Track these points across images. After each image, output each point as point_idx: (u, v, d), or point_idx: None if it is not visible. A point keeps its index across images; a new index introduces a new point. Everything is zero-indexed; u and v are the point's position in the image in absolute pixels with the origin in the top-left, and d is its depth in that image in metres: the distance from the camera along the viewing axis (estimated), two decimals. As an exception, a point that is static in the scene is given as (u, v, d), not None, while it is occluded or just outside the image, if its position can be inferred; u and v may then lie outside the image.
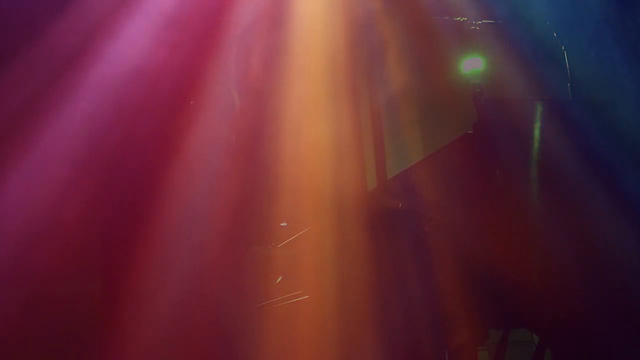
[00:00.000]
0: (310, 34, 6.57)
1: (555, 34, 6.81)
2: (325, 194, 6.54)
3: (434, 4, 6.94)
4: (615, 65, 6.60)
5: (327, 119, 6.58)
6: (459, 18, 6.94)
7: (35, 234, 5.70)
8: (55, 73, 5.76)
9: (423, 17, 6.95)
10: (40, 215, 5.72)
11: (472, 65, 7.06)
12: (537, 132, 6.56)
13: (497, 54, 6.88)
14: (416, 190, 6.69)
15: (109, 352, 5.73)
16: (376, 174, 7.03)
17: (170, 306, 5.84)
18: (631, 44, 6.60)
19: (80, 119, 5.81)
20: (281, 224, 6.52)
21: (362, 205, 6.75)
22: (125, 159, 5.93)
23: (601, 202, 6.20)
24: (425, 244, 6.59)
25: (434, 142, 6.89)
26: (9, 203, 5.63)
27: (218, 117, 6.26)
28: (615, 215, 6.17)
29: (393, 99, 6.93)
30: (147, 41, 6.05)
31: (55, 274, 5.72)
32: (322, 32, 6.62)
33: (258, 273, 6.28)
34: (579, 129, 6.44)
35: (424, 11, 6.95)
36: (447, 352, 6.56)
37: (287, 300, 6.35)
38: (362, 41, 6.93)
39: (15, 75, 5.71)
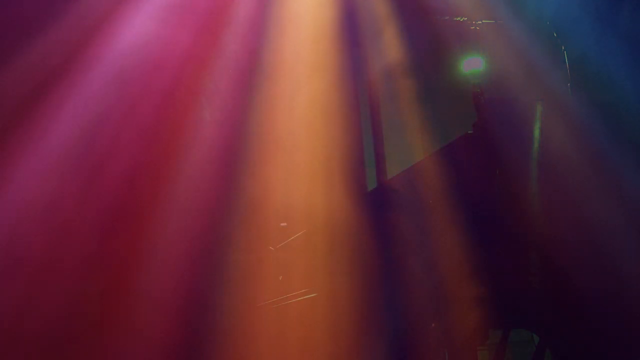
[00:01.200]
0: (309, 33, 6.57)
1: (555, 34, 6.81)
2: (324, 194, 6.55)
3: (434, 3, 6.94)
4: (616, 65, 6.61)
5: (326, 117, 6.58)
6: (459, 18, 6.93)
7: (31, 230, 5.69)
8: (56, 66, 5.76)
9: (425, 16, 6.96)
10: (37, 210, 5.71)
11: (472, 65, 7.06)
12: (537, 132, 6.57)
13: (497, 54, 6.87)
14: (416, 189, 6.70)
15: (105, 351, 5.72)
16: (376, 174, 7.03)
17: (166, 305, 5.84)
18: (631, 43, 6.60)
19: (79, 112, 5.81)
20: (281, 224, 6.51)
21: (361, 205, 6.75)
22: (123, 153, 5.92)
23: (602, 202, 6.20)
24: (425, 244, 6.59)
25: (434, 142, 6.89)
26: (5, 199, 5.62)
27: (214, 110, 6.25)
28: (616, 215, 6.18)
29: (393, 98, 6.93)
30: (150, 28, 6.04)
31: (52, 271, 5.71)
32: (321, 31, 6.62)
33: (257, 273, 6.27)
34: (579, 129, 6.45)
35: (426, 11, 6.96)
36: (447, 352, 6.57)
37: (287, 299, 6.35)
38: (361, 40, 6.93)
39: (16, 69, 5.70)
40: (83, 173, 5.88)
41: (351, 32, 6.77)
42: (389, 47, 6.87)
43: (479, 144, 6.78)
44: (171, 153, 6.05)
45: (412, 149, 6.91)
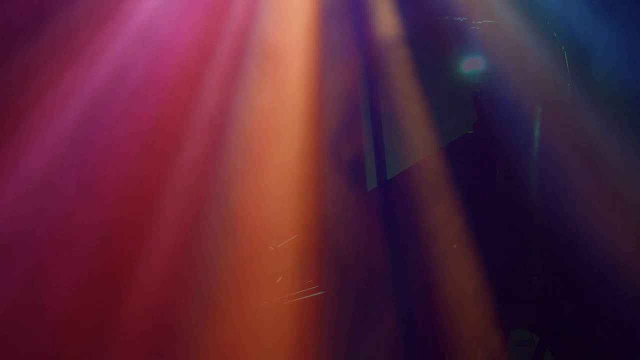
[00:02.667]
0: (308, 34, 6.59)
1: (555, 34, 6.81)
2: (322, 194, 6.55)
3: (434, 3, 6.95)
4: (617, 64, 6.61)
5: (326, 117, 6.59)
6: (459, 18, 6.93)
7: (30, 224, 5.70)
8: (59, 56, 5.78)
9: (425, 17, 6.97)
10: (36, 205, 5.72)
11: (472, 65, 7.06)
12: (537, 132, 6.57)
13: (498, 54, 6.87)
14: (416, 190, 6.70)
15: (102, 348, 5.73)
16: (376, 174, 7.03)
17: (162, 303, 5.85)
18: (632, 42, 6.61)
19: (81, 103, 5.83)
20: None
21: (361, 205, 6.75)
22: (125, 144, 5.93)
23: (604, 202, 6.21)
24: (425, 245, 6.59)
25: (435, 142, 6.89)
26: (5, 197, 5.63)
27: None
28: (618, 215, 6.18)
29: (393, 98, 6.94)
30: (153, 17, 6.06)
31: (51, 266, 5.71)
32: (320, 33, 6.64)
33: (254, 274, 6.27)
34: (579, 128, 6.45)
35: (426, 11, 6.97)
36: (447, 353, 6.57)
37: (285, 300, 6.35)
38: (361, 40, 6.95)
39: (21, 55, 5.73)
40: (84, 165, 5.90)
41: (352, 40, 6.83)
42: (388, 43, 6.88)
43: (479, 144, 6.79)
44: (174, 143, 6.06)
45: (412, 149, 6.91)
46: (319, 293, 6.36)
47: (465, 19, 6.93)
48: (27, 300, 5.60)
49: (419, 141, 6.83)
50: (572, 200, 6.31)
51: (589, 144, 6.38)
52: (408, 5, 6.90)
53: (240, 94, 6.29)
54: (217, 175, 6.19)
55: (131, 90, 5.95)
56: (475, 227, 6.54)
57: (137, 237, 5.89)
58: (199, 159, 6.13)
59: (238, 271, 6.15)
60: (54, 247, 5.71)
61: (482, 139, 6.78)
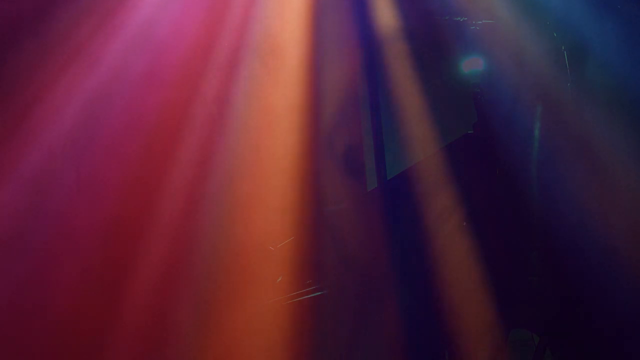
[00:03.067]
0: (308, 30, 6.58)
1: (555, 34, 6.82)
2: (323, 194, 6.55)
3: (434, 3, 6.95)
4: (617, 64, 6.62)
5: (326, 114, 6.58)
6: (459, 18, 6.94)
7: (29, 224, 5.69)
8: (59, 57, 5.76)
9: (424, 16, 6.97)
10: (34, 206, 5.71)
11: (472, 65, 7.06)
12: (537, 132, 6.58)
13: (498, 54, 6.88)
14: (416, 190, 6.70)
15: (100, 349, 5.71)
16: (376, 174, 7.02)
17: (159, 303, 5.84)
18: (632, 42, 6.62)
19: (82, 102, 5.81)
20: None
21: (361, 205, 6.75)
22: (126, 143, 5.91)
23: (604, 201, 6.22)
24: (425, 245, 6.60)
25: (434, 142, 6.89)
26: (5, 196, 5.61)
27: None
28: (618, 215, 6.19)
29: (393, 97, 6.93)
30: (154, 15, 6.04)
31: (50, 267, 5.70)
32: (320, 30, 6.63)
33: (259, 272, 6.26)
34: (579, 128, 6.46)
35: (425, 11, 6.97)
36: (447, 352, 6.57)
37: (285, 300, 6.34)
38: (360, 40, 6.94)
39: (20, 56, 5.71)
40: (84, 164, 5.88)
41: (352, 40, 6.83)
42: (388, 40, 6.88)
43: (479, 144, 6.79)
44: (174, 142, 6.05)
45: (412, 148, 6.91)
46: (319, 293, 6.35)
47: (465, 19, 6.93)
48: (27, 300, 5.59)
49: (419, 141, 6.83)
50: (572, 200, 6.32)
51: (589, 144, 6.39)
52: (408, 3, 6.91)
53: (241, 92, 6.28)
54: (217, 174, 6.18)
55: (132, 89, 5.93)
56: (475, 227, 6.54)
57: (138, 236, 5.87)
58: (199, 158, 6.12)
59: (238, 271, 6.13)
60: (54, 246, 5.69)
61: (482, 139, 6.79)
